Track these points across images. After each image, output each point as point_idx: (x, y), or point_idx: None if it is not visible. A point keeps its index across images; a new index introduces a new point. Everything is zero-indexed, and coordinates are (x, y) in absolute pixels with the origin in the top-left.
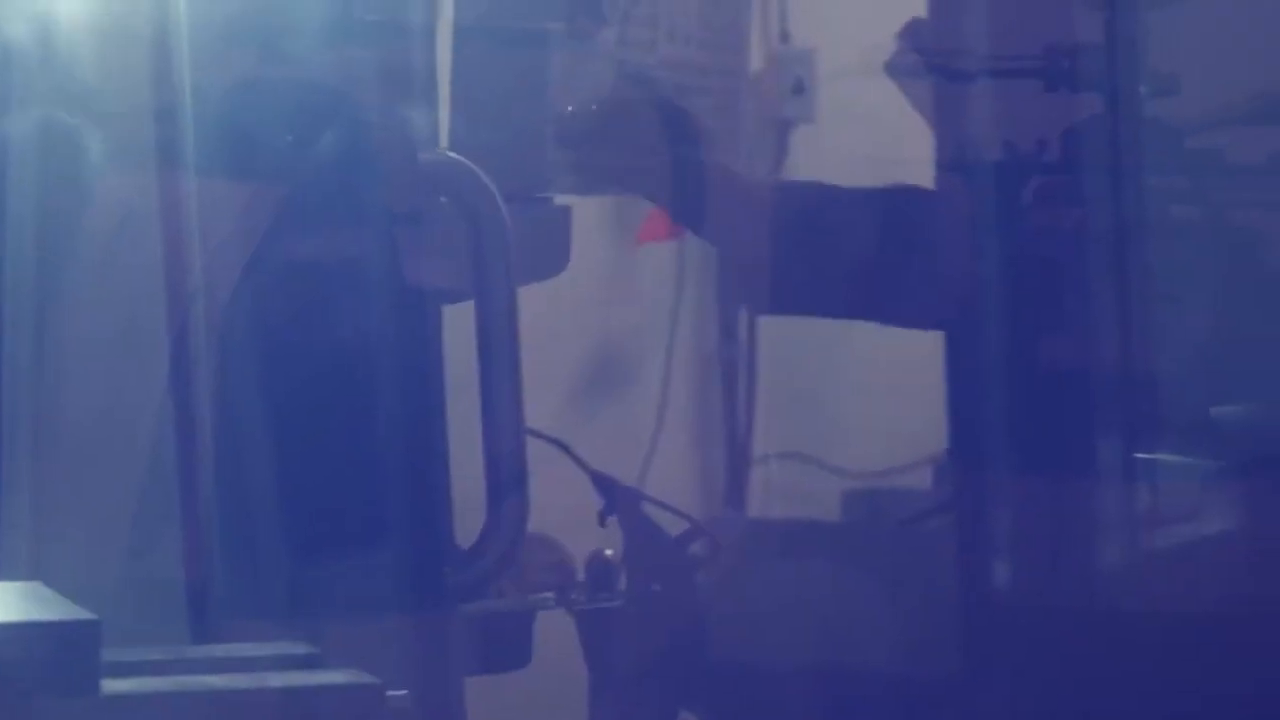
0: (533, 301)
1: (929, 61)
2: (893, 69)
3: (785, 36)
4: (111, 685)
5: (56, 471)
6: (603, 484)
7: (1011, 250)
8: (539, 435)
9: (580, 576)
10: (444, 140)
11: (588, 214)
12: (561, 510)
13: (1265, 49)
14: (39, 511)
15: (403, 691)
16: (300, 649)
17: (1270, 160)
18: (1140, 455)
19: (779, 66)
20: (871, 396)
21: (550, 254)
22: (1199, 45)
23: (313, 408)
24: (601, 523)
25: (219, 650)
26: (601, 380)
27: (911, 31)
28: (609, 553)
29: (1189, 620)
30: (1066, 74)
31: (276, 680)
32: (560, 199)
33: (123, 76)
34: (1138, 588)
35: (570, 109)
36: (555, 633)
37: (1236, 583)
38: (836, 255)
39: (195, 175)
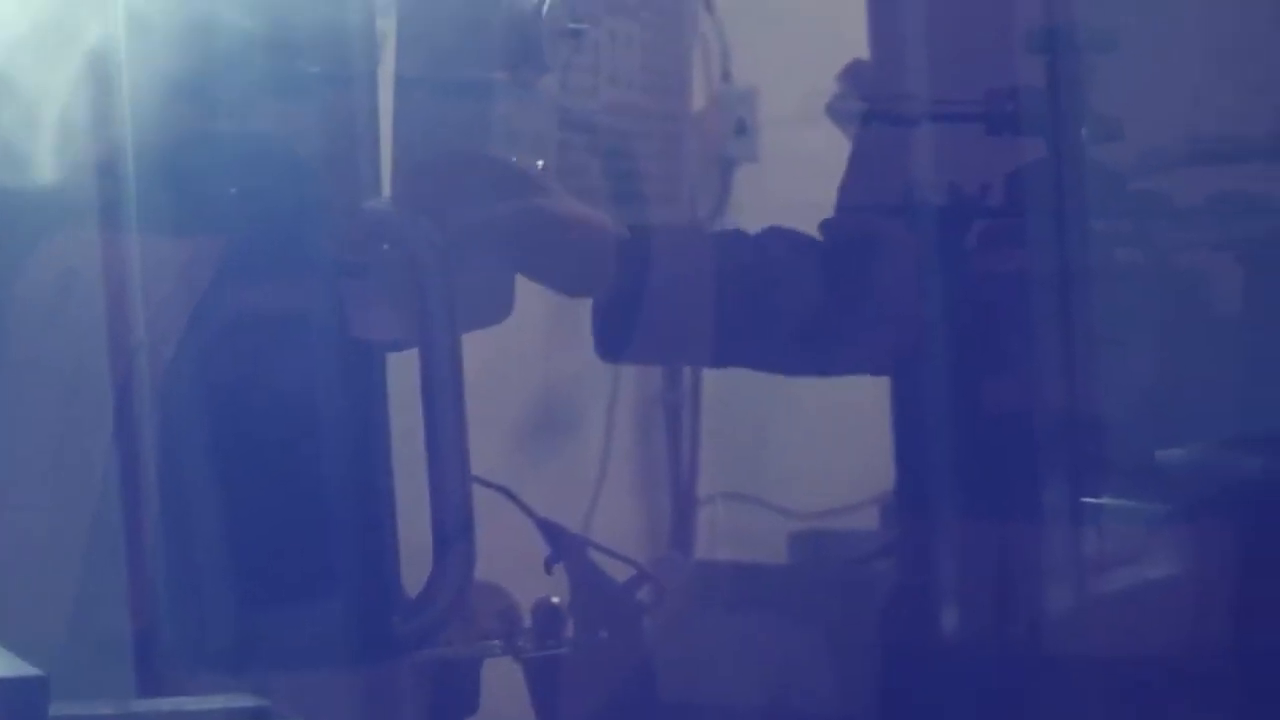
0: (477, 349)
1: (871, 104)
2: (834, 111)
3: (727, 77)
4: None
5: (1, 527)
6: (549, 531)
7: (955, 294)
8: (484, 483)
9: (527, 623)
10: (386, 190)
11: None
12: (508, 557)
13: (1205, 92)
14: None
15: None
16: (249, 701)
17: (1211, 202)
18: (1085, 499)
19: (721, 107)
20: (816, 438)
21: (494, 301)
22: (1140, 89)
23: (258, 460)
24: (548, 570)
25: (166, 703)
26: (546, 427)
27: (853, 74)
28: (555, 599)
29: (1134, 664)
30: (1009, 118)
31: None
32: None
33: (62, 131)
34: (1084, 631)
35: (514, 160)
36: (503, 680)
37: (1183, 626)
38: (776, 309)
39: (137, 230)
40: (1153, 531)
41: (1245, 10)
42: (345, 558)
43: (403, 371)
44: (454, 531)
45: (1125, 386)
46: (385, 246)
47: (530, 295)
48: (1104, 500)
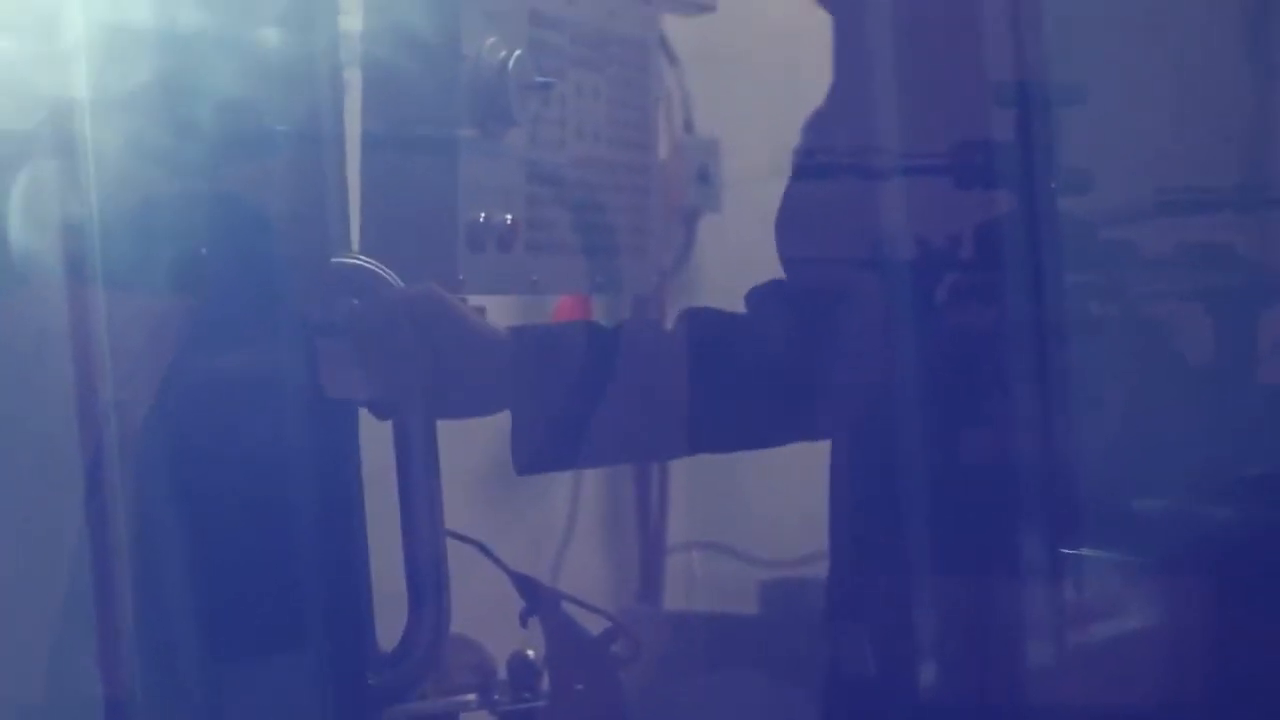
0: None
1: (839, 156)
2: (800, 163)
3: (689, 126)
4: None
5: None
6: (523, 584)
7: (926, 347)
8: (458, 537)
9: (503, 676)
10: (355, 245)
11: (502, 314)
12: (482, 611)
13: (1172, 143)
14: None
15: None
16: None
17: (1181, 252)
18: (1061, 550)
19: (683, 156)
20: (788, 487)
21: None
22: (1108, 141)
23: (230, 518)
24: (523, 623)
25: None
26: (518, 479)
27: (819, 125)
28: (531, 653)
29: (1111, 716)
30: (978, 170)
31: None
32: (474, 300)
33: (29, 192)
34: (1061, 683)
35: (482, 216)
36: None
37: (1160, 678)
38: (744, 386)
39: (106, 291)
40: (1129, 582)
41: (1212, 60)
42: (319, 613)
43: (375, 426)
44: (428, 586)
45: (1099, 437)
46: (354, 302)
47: None
48: (1080, 551)
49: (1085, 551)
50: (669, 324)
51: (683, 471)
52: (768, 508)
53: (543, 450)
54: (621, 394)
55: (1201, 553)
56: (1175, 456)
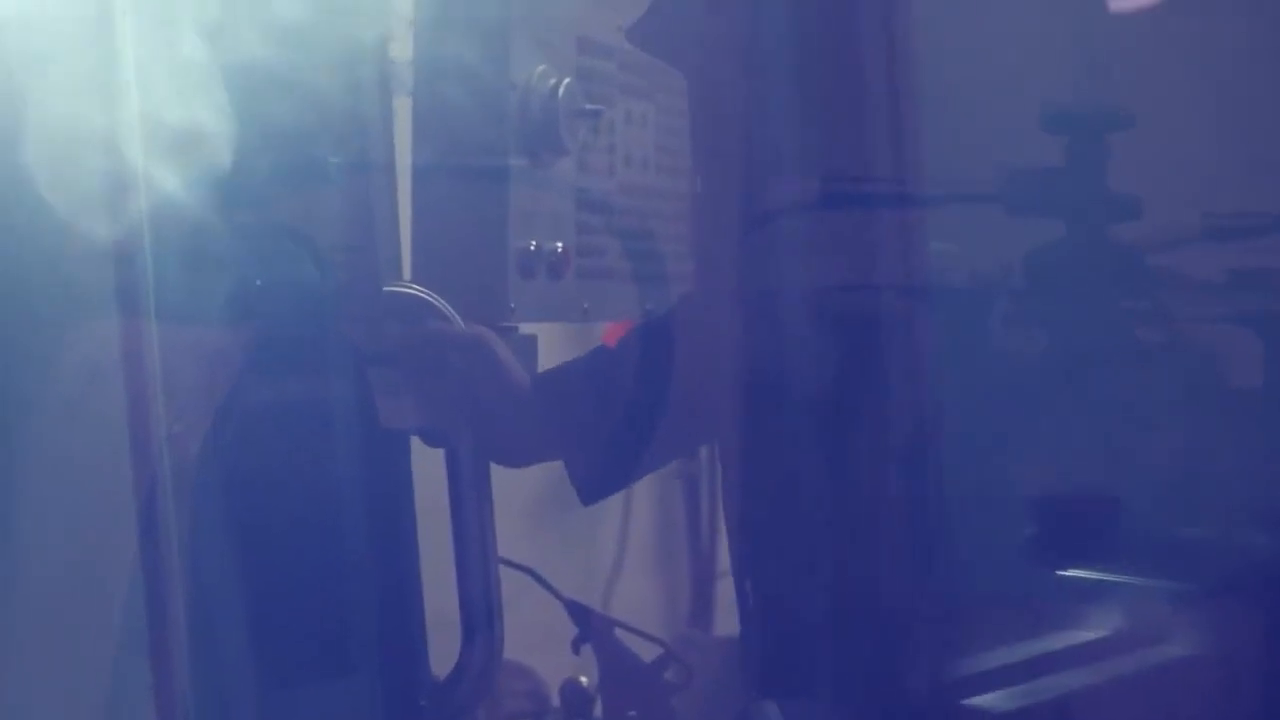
0: None
1: (890, 184)
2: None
3: None
4: None
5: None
6: (576, 611)
7: (976, 375)
8: (509, 564)
9: (555, 703)
10: (407, 274)
11: (552, 341)
12: (535, 638)
13: (1219, 167)
14: (7, 676)
15: None
16: None
17: (1231, 277)
18: (1108, 578)
19: None
20: None
21: None
22: (1156, 165)
23: (284, 547)
24: (576, 650)
25: None
26: (570, 506)
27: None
28: (583, 680)
29: None
30: (1029, 198)
31: None
32: (526, 328)
33: (83, 223)
34: (1109, 711)
35: (533, 244)
36: None
37: (1207, 706)
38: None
39: (159, 322)
40: (1177, 610)
41: (1257, 84)
42: (373, 641)
43: (428, 453)
44: (481, 612)
45: (1147, 464)
46: (407, 330)
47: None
48: (1126, 578)
49: (1133, 579)
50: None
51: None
52: None
53: (603, 476)
54: (655, 399)
55: (1247, 581)
56: (1225, 483)
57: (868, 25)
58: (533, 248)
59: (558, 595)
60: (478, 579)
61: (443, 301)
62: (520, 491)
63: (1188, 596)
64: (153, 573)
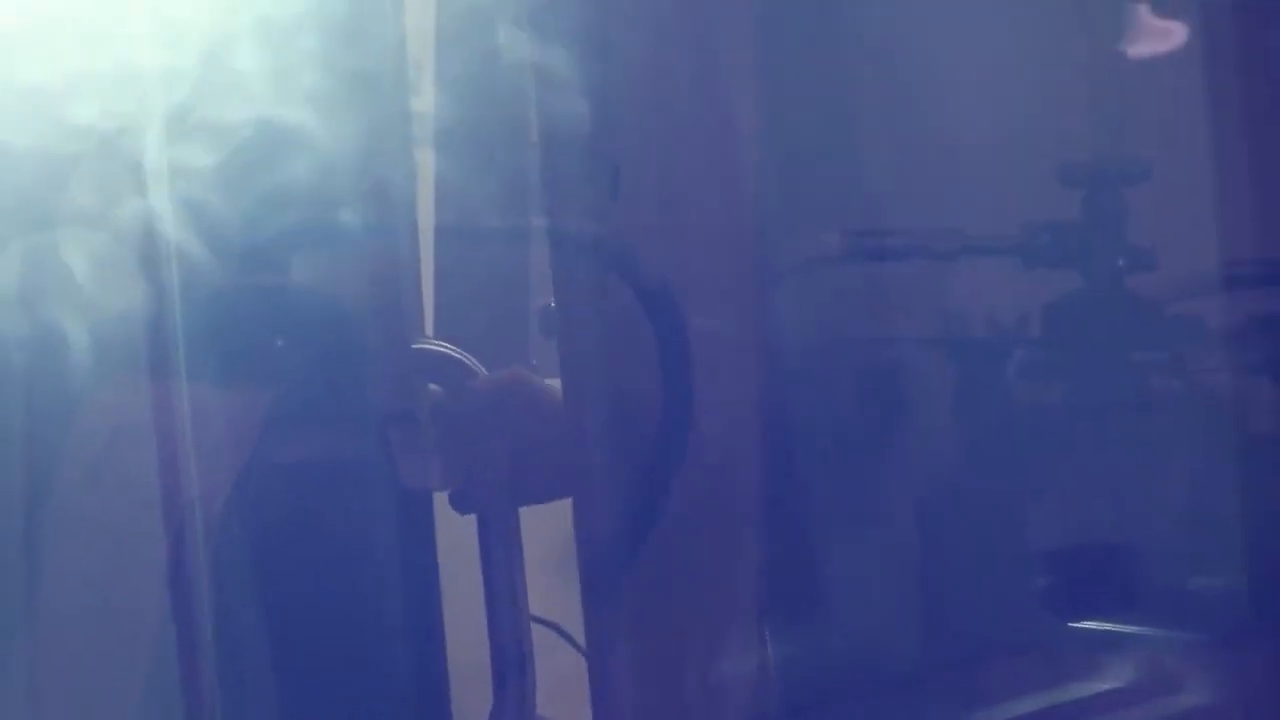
0: None
1: (910, 238)
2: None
3: None
4: None
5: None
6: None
7: (993, 426)
8: (537, 620)
9: None
10: (430, 329)
11: None
12: (566, 693)
13: (1232, 219)
14: None
15: None
16: None
17: (1246, 325)
18: (1120, 628)
19: None
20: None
21: None
22: (1170, 218)
23: (312, 608)
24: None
25: None
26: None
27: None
28: None
29: None
30: (1045, 250)
31: None
32: (550, 381)
33: (110, 283)
34: None
35: (553, 301)
36: None
37: None
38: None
39: (186, 383)
40: (1188, 660)
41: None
42: (402, 699)
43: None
44: (512, 669)
45: (1162, 514)
46: (437, 389)
47: None
48: (1140, 629)
49: (1146, 629)
50: None
51: None
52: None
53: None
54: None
55: (1267, 630)
56: (1240, 534)
57: (883, 80)
58: (553, 305)
59: (583, 651)
60: (508, 636)
61: (471, 357)
62: (546, 545)
63: (1202, 648)
64: (182, 634)
